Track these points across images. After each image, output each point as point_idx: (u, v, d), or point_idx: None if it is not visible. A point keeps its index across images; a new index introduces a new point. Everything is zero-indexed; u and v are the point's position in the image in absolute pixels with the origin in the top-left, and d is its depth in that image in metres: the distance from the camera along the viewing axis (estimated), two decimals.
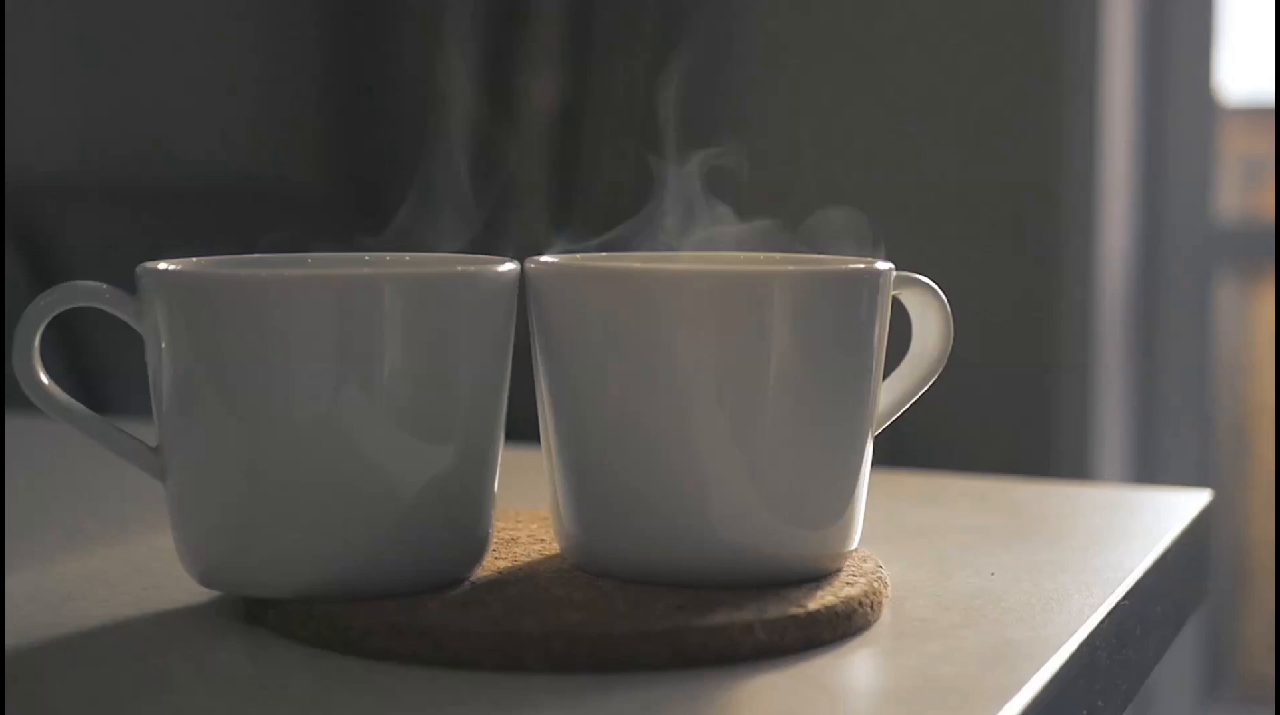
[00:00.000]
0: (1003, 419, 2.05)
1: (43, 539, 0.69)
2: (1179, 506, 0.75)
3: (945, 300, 0.62)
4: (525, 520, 0.66)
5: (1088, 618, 0.57)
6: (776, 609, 0.54)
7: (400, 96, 2.13)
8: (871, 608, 0.57)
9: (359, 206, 2.05)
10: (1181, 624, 0.70)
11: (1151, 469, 2.11)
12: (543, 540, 0.63)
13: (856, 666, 0.53)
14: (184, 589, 0.60)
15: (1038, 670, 0.52)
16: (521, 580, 0.58)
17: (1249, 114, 2.17)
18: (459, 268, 0.57)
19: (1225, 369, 2.16)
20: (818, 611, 0.54)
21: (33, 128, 1.80)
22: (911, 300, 0.63)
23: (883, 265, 0.59)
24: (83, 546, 0.67)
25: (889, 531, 0.69)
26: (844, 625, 0.55)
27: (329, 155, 2.21)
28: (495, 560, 0.60)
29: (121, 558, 0.65)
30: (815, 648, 0.54)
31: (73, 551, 0.67)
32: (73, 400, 0.58)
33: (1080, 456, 2.02)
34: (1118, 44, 2.02)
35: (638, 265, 0.58)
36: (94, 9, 1.91)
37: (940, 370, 0.63)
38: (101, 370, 1.50)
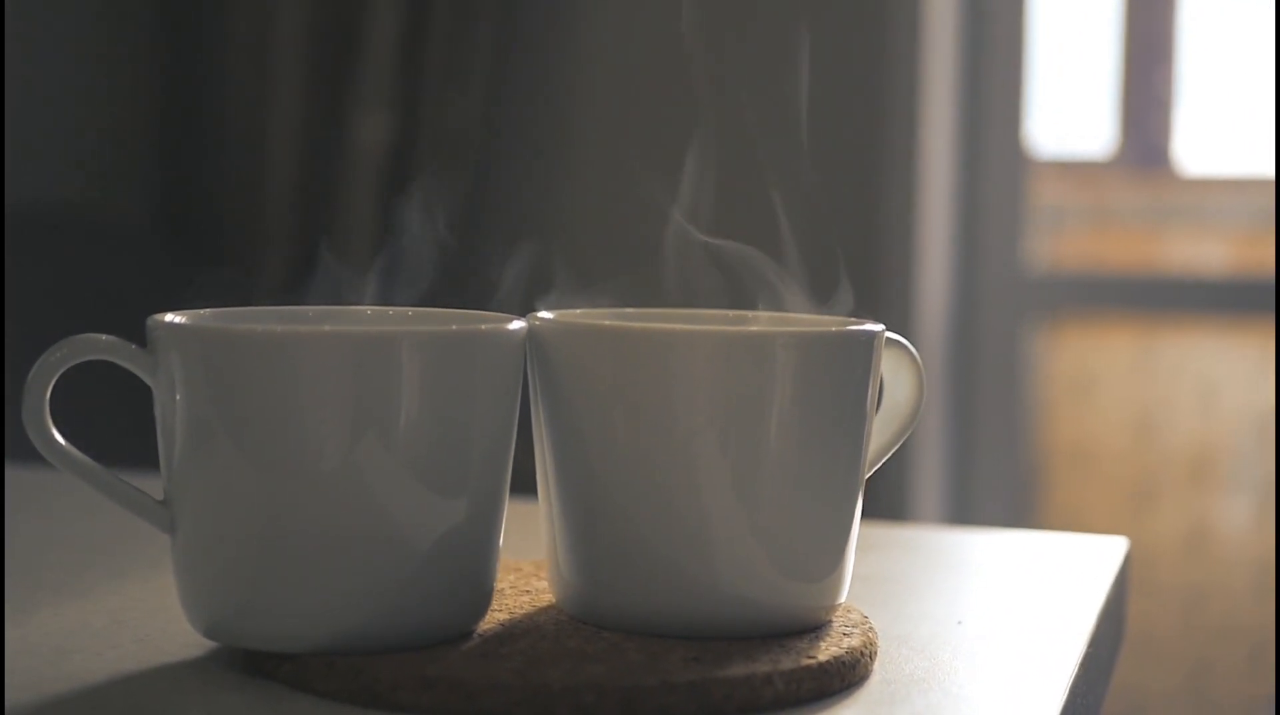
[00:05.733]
0: None
1: (12, 591, 0.68)
2: (1105, 554, 0.78)
3: (920, 361, 0.65)
4: (503, 571, 0.67)
5: (1069, 665, 0.60)
6: (789, 660, 0.56)
7: (228, 129, 2.11)
8: (871, 658, 0.59)
9: (183, 240, 2.02)
10: (1111, 670, 0.74)
11: (965, 507, 2.17)
12: (528, 591, 0.64)
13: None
14: (174, 641, 0.60)
15: None
16: (528, 632, 0.59)
17: (1055, 166, 2.26)
18: (475, 326, 0.58)
19: (1032, 413, 2.24)
20: (828, 662, 0.56)
21: None
22: (886, 359, 0.65)
23: (875, 326, 0.61)
24: (55, 598, 0.66)
25: None
26: (850, 675, 0.57)
27: (152, 187, 2.17)
28: (492, 612, 0.61)
29: (100, 610, 0.64)
30: (827, 698, 0.56)
31: (48, 603, 0.65)
32: (86, 457, 0.58)
33: (898, 495, 2.08)
34: (936, 101, 2.09)
35: (645, 325, 0.60)
36: None
37: (914, 426, 0.65)
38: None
